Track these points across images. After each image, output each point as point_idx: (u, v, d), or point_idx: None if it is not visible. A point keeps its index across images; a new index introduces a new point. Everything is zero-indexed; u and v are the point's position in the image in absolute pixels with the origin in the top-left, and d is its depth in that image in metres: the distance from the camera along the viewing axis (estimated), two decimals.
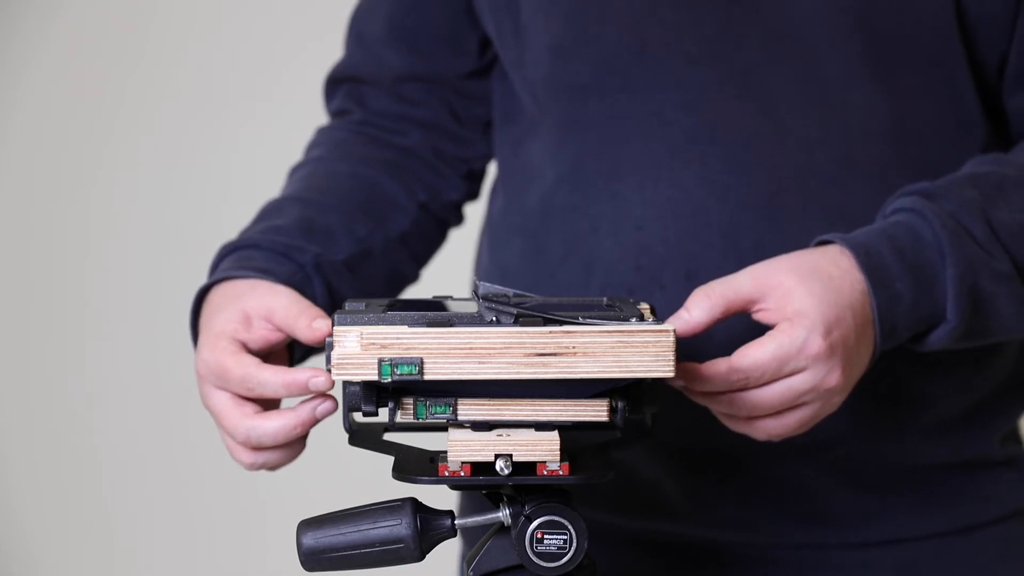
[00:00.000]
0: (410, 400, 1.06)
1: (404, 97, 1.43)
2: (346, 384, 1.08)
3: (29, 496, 2.44)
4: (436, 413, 1.06)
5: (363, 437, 1.15)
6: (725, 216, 1.27)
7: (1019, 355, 1.35)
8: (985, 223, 1.19)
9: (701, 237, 1.27)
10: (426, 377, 1.03)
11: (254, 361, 1.15)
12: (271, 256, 1.26)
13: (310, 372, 1.12)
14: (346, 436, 1.16)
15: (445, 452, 1.06)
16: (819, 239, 1.18)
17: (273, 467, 1.18)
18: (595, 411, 1.06)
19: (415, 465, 1.09)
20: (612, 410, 1.06)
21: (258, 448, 1.16)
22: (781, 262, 1.14)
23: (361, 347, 1.03)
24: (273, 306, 1.18)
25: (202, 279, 1.26)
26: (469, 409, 1.06)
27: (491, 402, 1.06)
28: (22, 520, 2.44)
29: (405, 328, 1.03)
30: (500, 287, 1.09)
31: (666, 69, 1.28)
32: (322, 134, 1.45)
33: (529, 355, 1.03)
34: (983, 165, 1.24)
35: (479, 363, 1.03)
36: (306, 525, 1.08)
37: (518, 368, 1.03)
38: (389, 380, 1.03)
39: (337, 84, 1.47)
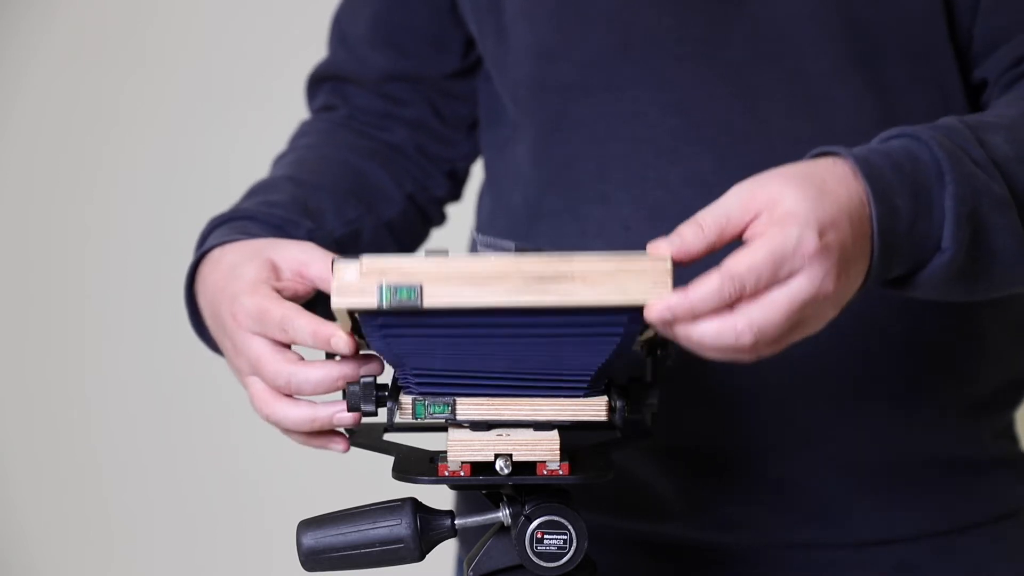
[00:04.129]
0: (409, 400, 1.06)
1: (388, 96, 1.43)
2: (348, 385, 1.09)
3: (29, 496, 2.44)
4: (435, 412, 1.06)
5: (363, 437, 1.16)
6: None
7: (1013, 348, 1.35)
8: (979, 145, 1.13)
9: None
10: (425, 304, 1.01)
11: (293, 306, 1.14)
12: (267, 228, 1.26)
13: (335, 328, 1.10)
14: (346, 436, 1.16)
15: (445, 452, 1.06)
16: (813, 152, 1.11)
17: (291, 428, 1.15)
18: (594, 410, 1.06)
19: (415, 465, 1.09)
20: (611, 409, 1.06)
21: (295, 395, 1.13)
22: (769, 174, 1.07)
23: (361, 275, 1.02)
24: (306, 260, 1.17)
25: None
26: (468, 408, 1.06)
27: (490, 401, 1.06)
28: (22, 520, 2.44)
29: (405, 256, 1.03)
30: (501, 239, 1.08)
31: (651, 69, 1.28)
32: (308, 125, 1.46)
33: (528, 280, 1.02)
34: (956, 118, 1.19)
35: (478, 288, 1.02)
36: (306, 525, 1.08)
37: (518, 294, 1.01)
38: (388, 305, 1.02)
39: (320, 82, 1.48)
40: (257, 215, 1.27)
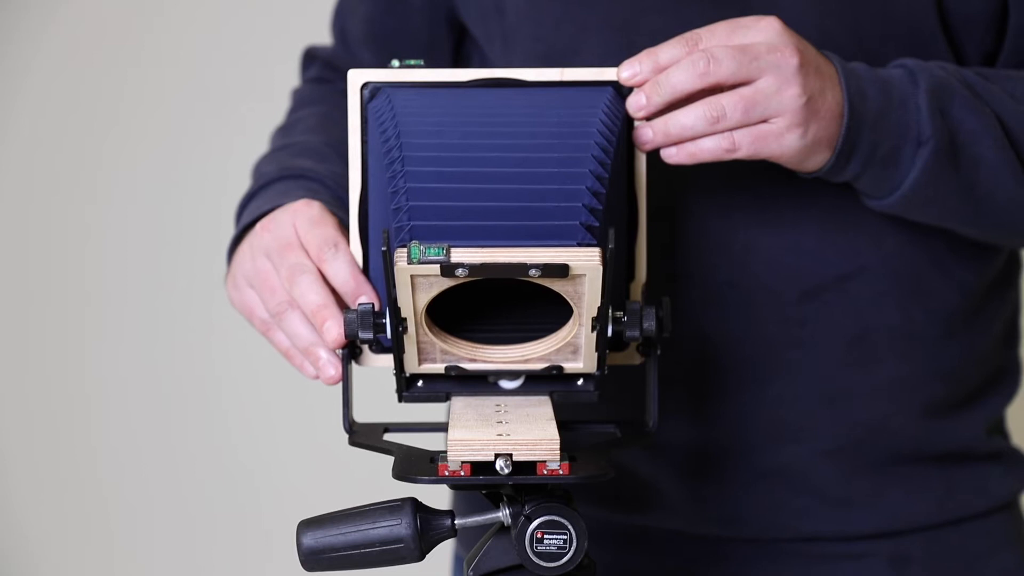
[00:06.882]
0: (403, 250, 1.04)
1: None
2: (346, 311, 1.12)
3: (29, 496, 2.44)
4: (429, 255, 1.04)
5: (363, 437, 1.16)
6: (718, 218, 1.27)
7: (1003, 343, 1.36)
8: (957, 70, 1.21)
9: (692, 237, 1.28)
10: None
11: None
12: (333, 201, 1.27)
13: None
14: (346, 436, 1.16)
15: (445, 452, 1.06)
16: None
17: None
18: (587, 257, 1.04)
19: (415, 465, 1.09)
20: (605, 257, 1.04)
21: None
22: None
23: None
24: (345, 286, 1.19)
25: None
26: (462, 254, 1.04)
27: (483, 248, 1.04)
28: (22, 520, 2.44)
29: None
30: None
31: None
32: (310, 93, 1.47)
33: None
34: None
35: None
36: (306, 525, 1.08)
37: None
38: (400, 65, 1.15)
39: (316, 59, 1.50)
40: (327, 182, 1.30)
